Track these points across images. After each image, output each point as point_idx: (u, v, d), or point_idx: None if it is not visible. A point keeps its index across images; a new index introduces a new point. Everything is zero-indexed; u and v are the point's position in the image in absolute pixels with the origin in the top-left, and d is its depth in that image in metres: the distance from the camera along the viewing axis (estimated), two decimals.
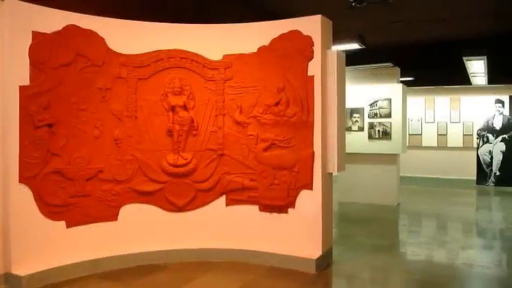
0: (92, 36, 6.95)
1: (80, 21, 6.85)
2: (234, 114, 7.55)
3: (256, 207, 7.50)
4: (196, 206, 7.61)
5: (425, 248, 8.53)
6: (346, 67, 7.72)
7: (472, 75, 15.43)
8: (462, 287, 6.64)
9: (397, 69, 13.35)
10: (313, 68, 7.08)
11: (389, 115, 12.84)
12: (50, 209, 6.59)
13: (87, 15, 6.95)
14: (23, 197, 6.35)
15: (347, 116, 12.87)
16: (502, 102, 17.31)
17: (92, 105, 6.99)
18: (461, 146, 19.31)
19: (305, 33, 7.12)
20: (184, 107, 7.51)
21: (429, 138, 20.04)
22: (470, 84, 17.35)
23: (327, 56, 7.22)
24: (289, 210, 7.28)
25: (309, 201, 7.16)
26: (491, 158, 17.02)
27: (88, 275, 6.69)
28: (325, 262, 7.19)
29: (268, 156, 7.37)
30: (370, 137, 13.05)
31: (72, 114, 6.81)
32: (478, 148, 17.34)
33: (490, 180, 17.06)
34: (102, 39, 7.05)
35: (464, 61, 12.98)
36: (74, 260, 6.65)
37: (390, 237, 9.67)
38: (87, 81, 6.93)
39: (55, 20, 6.63)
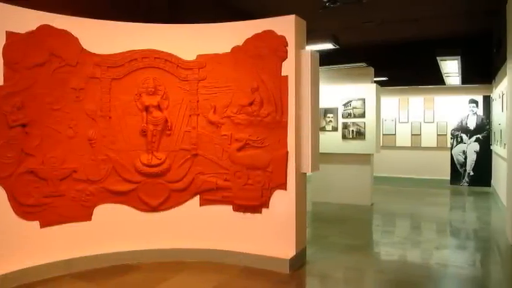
0: (65, 36, 7.03)
1: (53, 21, 6.92)
2: (208, 114, 7.65)
3: (230, 207, 7.61)
4: (170, 206, 7.71)
5: (399, 248, 8.69)
6: (320, 67, 7.83)
7: (446, 75, 15.65)
8: (436, 287, 6.76)
9: (371, 69, 13.53)
10: (287, 68, 7.20)
11: (363, 115, 13.02)
12: (24, 209, 6.67)
13: (61, 15, 7.02)
14: None
15: (321, 116, 13.03)
16: (476, 102, 17.55)
17: (66, 105, 7.07)
18: (435, 146, 19.58)
19: (279, 33, 7.23)
20: (158, 107, 7.61)
21: (403, 138, 20.30)
22: (444, 84, 17.61)
23: (300, 56, 7.34)
24: (263, 210, 7.40)
25: (283, 201, 7.28)
26: (465, 158, 17.27)
27: (62, 275, 6.78)
28: (298, 262, 7.32)
29: (242, 156, 7.49)
30: (344, 137, 13.22)
31: (46, 114, 6.88)
32: (452, 148, 17.59)
33: (464, 180, 17.32)
34: (76, 39, 7.13)
35: (438, 61, 13.19)
36: (47, 260, 6.74)
37: (364, 237, 9.82)
38: (61, 81, 7.01)
39: (29, 20, 6.70)
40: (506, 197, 10.10)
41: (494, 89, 16.23)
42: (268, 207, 7.37)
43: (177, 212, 7.72)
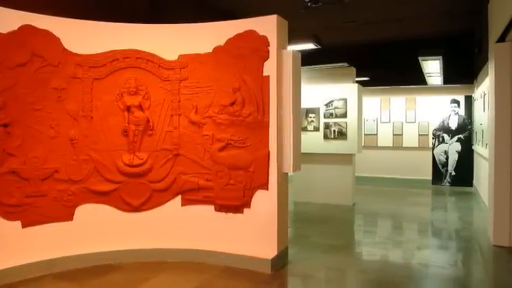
0: (47, 36, 7.09)
1: (35, 21, 6.98)
2: (190, 114, 7.72)
3: (211, 207, 7.69)
4: (152, 206, 7.78)
5: (381, 248, 8.80)
6: (302, 67, 7.92)
7: (427, 75, 15.78)
8: (417, 287, 6.83)
9: (353, 69, 13.61)
10: (269, 68, 7.27)
11: (344, 115, 13.12)
12: (6, 209, 6.74)
13: (43, 15, 7.07)
14: None
15: (303, 116, 13.13)
16: (458, 102, 17.69)
17: (48, 105, 7.13)
18: (417, 146, 19.76)
19: (261, 33, 7.30)
20: (140, 107, 7.68)
21: (385, 138, 20.48)
22: (426, 84, 17.74)
23: (282, 56, 7.41)
24: (245, 210, 7.48)
25: (265, 201, 7.36)
26: (447, 158, 17.43)
27: (44, 275, 6.84)
28: (280, 262, 7.41)
29: (223, 156, 7.56)
30: (326, 137, 13.33)
31: (28, 114, 6.95)
32: (433, 148, 17.76)
33: (445, 180, 17.48)
34: (58, 39, 7.19)
35: (420, 61, 13.30)
36: (29, 260, 6.80)
37: (345, 237, 9.93)
38: (42, 81, 7.07)
39: (10, 19, 6.76)
40: (487, 197, 10.23)
41: (475, 89, 16.41)
42: (250, 207, 7.45)
43: (158, 212, 7.80)
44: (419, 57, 12.84)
